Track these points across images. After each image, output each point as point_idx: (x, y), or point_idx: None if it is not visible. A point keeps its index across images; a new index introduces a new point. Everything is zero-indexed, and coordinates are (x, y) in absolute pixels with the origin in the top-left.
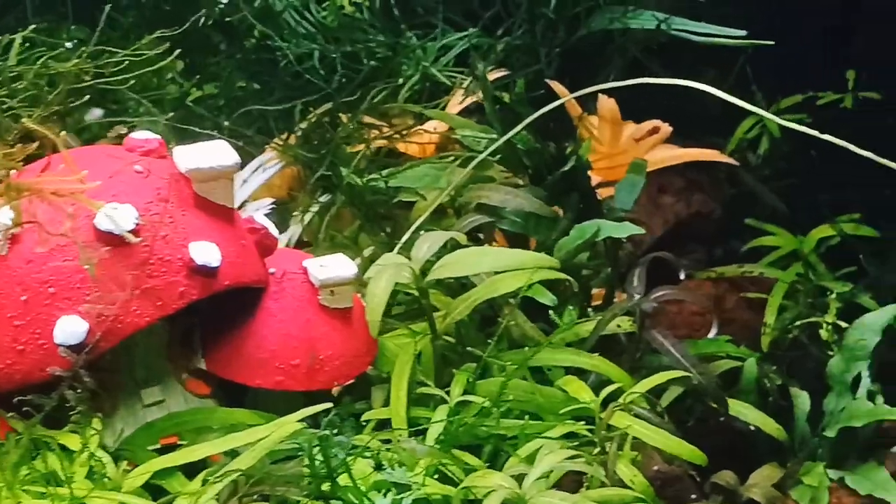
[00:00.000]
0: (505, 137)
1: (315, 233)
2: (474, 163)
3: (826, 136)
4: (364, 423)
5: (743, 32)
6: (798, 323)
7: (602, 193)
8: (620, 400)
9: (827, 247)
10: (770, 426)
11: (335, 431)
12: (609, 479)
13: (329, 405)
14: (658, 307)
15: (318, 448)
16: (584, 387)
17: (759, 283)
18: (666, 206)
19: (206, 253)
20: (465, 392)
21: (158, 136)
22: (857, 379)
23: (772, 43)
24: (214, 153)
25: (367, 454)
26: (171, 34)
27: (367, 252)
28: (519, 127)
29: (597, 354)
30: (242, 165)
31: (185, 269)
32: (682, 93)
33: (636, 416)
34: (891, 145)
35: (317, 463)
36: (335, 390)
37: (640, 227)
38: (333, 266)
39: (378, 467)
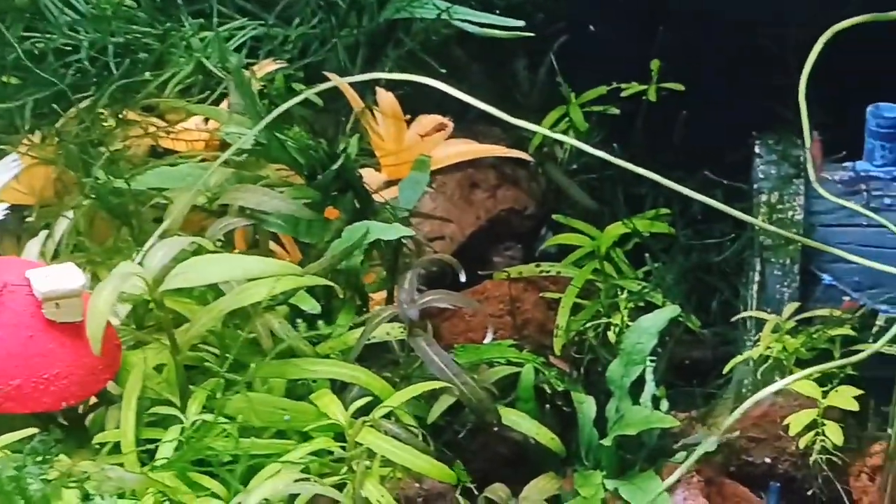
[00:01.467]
0: (252, 132)
1: (66, 241)
2: (220, 160)
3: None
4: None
5: (521, 23)
6: (589, 324)
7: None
8: (372, 415)
9: (635, 244)
10: (544, 436)
11: (39, 459)
12: (356, 500)
13: (33, 431)
14: (454, 310)
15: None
16: (335, 401)
17: (561, 282)
18: (478, 203)
19: None
20: (207, 409)
21: None
22: (641, 383)
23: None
24: None
25: (73, 483)
26: None
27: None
28: (266, 120)
29: (358, 365)
30: None
31: None
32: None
33: (387, 432)
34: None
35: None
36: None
37: (409, 230)
38: (57, 277)
39: (86, 497)
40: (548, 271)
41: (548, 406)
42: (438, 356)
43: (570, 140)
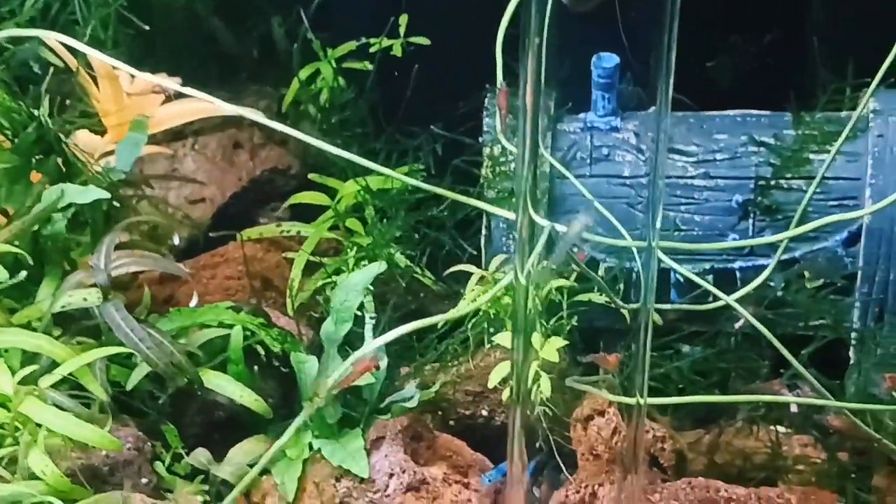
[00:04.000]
0: None
1: None
2: None
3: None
4: None
5: None
6: (322, 283)
7: None
8: (41, 384)
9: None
10: (249, 398)
11: None
12: (20, 472)
13: None
14: (192, 272)
15: None
16: (5, 370)
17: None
18: (240, 164)
19: None
20: None
21: None
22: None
23: None
24: None
25: None
26: None
27: None
28: None
29: (46, 335)
30: None
31: None
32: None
33: (54, 402)
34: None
35: None
36: None
37: (104, 192)
38: None
39: None
40: (289, 231)
41: (256, 368)
42: (125, 321)
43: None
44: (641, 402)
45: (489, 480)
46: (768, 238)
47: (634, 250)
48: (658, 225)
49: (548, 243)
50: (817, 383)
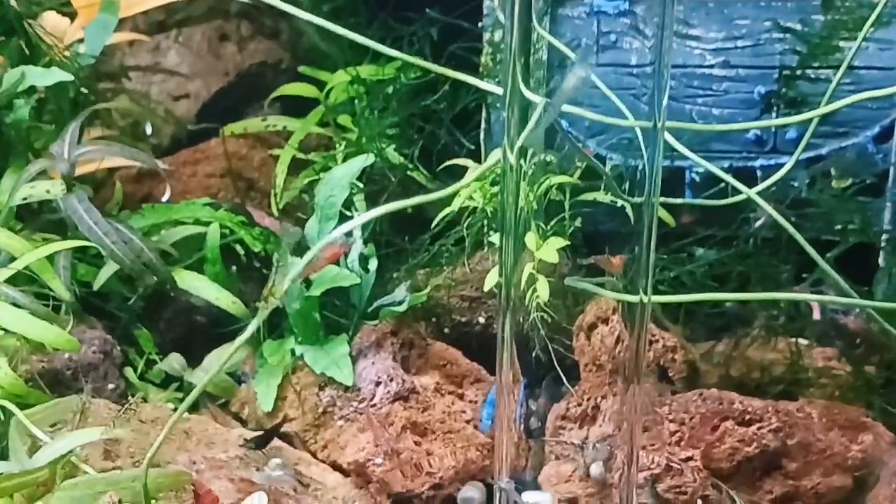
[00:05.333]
0: None
1: None
2: None
3: None
4: None
5: None
6: (309, 180)
7: None
8: None
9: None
10: (225, 300)
11: None
12: None
13: None
14: (171, 169)
15: None
16: None
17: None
18: (227, 57)
19: None
20: None
21: None
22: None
23: None
24: None
25: None
26: None
27: None
28: None
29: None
30: None
31: None
32: None
33: (12, 301)
34: None
35: None
36: None
37: (67, 75)
38: None
39: None
40: (275, 126)
41: (235, 268)
42: (88, 214)
43: None
44: (645, 299)
45: (488, 420)
46: (788, 119)
47: (640, 134)
48: (664, 105)
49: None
50: (845, 284)
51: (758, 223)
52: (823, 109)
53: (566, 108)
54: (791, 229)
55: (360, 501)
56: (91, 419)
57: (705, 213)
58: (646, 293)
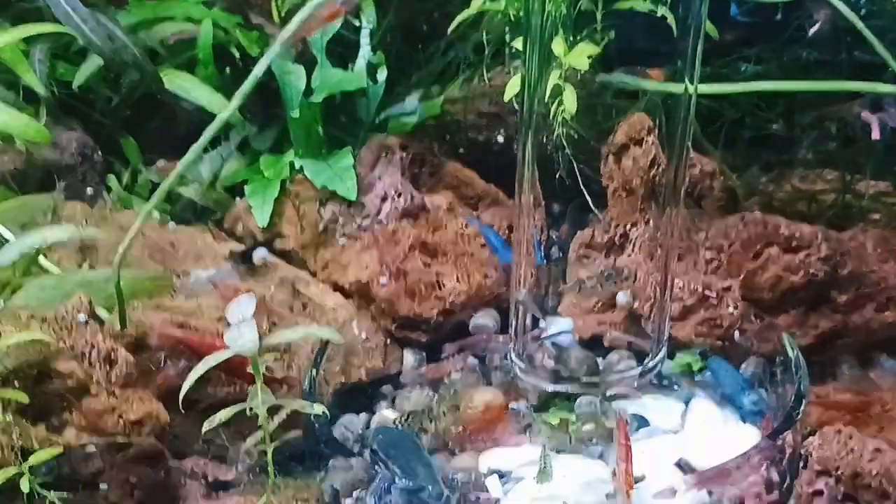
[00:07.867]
0: None
1: None
2: None
3: None
4: None
5: None
6: None
7: None
8: None
9: None
10: (217, 104)
11: None
12: None
13: None
14: None
15: None
16: None
17: None
18: None
19: None
20: None
21: None
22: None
23: None
24: None
25: None
26: None
27: None
28: None
29: None
30: None
31: None
32: None
33: None
34: None
35: None
36: None
37: None
38: None
39: None
40: None
41: (228, 70)
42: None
43: None
44: (691, 89)
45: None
46: None
47: None
48: None
49: None
50: None
51: (814, 28)
52: None
53: None
54: (857, 21)
55: (362, 323)
56: (65, 222)
57: (752, 29)
58: (692, 81)
